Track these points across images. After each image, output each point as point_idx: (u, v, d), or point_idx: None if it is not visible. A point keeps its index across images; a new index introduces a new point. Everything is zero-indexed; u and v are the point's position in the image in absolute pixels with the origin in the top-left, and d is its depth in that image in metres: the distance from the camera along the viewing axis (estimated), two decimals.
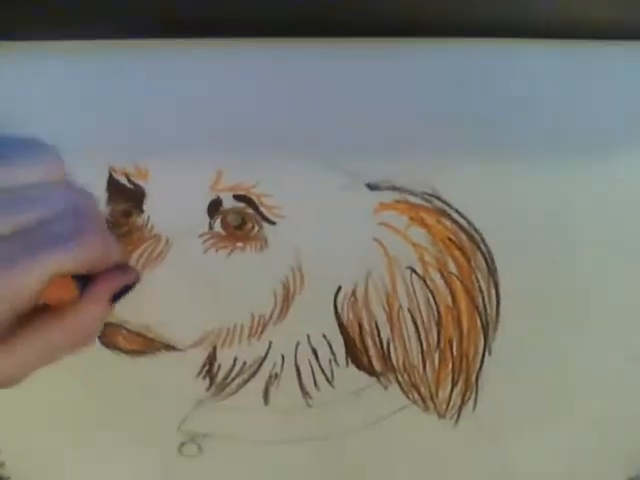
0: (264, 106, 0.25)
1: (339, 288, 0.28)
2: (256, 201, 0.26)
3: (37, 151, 0.23)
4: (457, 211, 0.27)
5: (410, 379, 0.30)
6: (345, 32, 0.23)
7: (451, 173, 0.26)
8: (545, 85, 0.25)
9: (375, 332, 0.29)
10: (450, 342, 0.30)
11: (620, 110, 0.25)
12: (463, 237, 0.27)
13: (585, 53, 0.24)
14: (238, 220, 0.26)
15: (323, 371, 0.30)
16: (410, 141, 0.26)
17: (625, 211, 0.28)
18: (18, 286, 0.20)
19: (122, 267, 0.26)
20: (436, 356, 0.30)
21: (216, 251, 0.27)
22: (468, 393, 0.31)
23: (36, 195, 0.22)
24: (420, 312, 0.29)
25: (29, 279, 0.20)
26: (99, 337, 0.29)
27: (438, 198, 0.27)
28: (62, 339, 0.23)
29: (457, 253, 0.28)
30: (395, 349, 0.30)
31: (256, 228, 0.27)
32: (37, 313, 0.22)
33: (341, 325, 0.29)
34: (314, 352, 0.30)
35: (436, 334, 0.29)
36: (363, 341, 0.29)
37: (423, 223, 0.27)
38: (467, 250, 0.28)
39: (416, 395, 0.31)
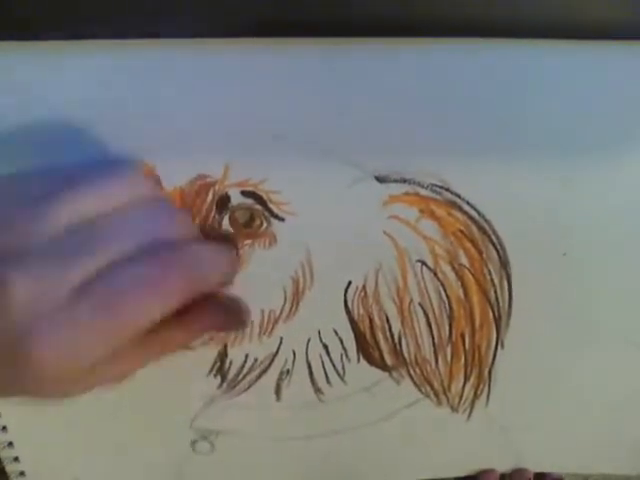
0: (271, 102, 0.25)
1: (349, 283, 0.28)
2: (265, 197, 0.26)
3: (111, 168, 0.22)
4: (468, 202, 0.26)
5: (422, 373, 0.30)
6: (351, 32, 0.23)
7: (460, 165, 0.26)
8: (545, 85, 0.25)
9: (386, 326, 0.29)
10: (462, 336, 0.29)
11: (620, 110, 0.25)
12: (474, 229, 0.27)
13: (585, 53, 0.24)
14: (246, 217, 0.26)
15: (335, 367, 0.30)
16: (418, 133, 0.25)
17: (630, 208, 0.27)
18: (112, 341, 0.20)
19: (232, 304, 0.25)
20: (448, 350, 0.30)
21: None
22: (481, 387, 0.31)
23: (116, 224, 0.20)
24: (432, 306, 0.29)
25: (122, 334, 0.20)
26: None
27: (448, 190, 0.26)
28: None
29: (468, 245, 0.27)
30: (407, 343, 0.29)
31: (265, 225, 0.27)
32: None
33: (352, 320, 0.29)
34: (325, 348, 0.29)
35: (448, 327, 0.29)
36: (374, 336, 0.29)
37: (433, 215, 0.27)
38: (478, 242, 0.27)
39: (429, 389, 0.31)
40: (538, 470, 0.34)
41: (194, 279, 0.21)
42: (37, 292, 0.18)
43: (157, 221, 0.22)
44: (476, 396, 0.31)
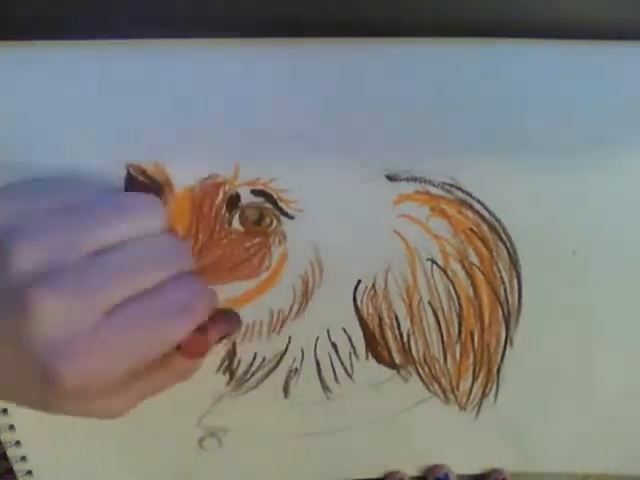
0: (281, 101, 0.25)
1: (359, 281, 0.28)
2: (274, 196, 0.26)
3: (132, 199, 0.22)
4: (478, 201, 0.26)
5: (431, 371, 0.30)
6: (360, 31, 0.23)
7: (470, 164, 0.26)
8: (545, 84, 0.25)
9: (395, 325, 0.29)
10: (471, 334, 0.29)
11: (621, 109, 0.25)
12: (485, 228, 0.27)
13: (585, 53, 0.24)
14: (256, 215, 0.26)
15: (343, 365, 0.30)
16: (425, 132, 0.25)
17: (635, 207, 0.27)
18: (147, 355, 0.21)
19: (226, 313, 0.27)
20: (457, 348, 0.30)
21: None
22: (489, 385, 0.31)
23: (144, 252, 0.21)
24: (441, 304, 0.29)
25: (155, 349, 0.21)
26: None
27: (459, 188, 0.26)
28: (168, 379, 0.25)
29: (479, 244, 0.27)
30: (415, 341, 0.29)
31: (275, 223, 0.26)
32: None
33: (361, 319, 0.29)
34: (334, 346, 0.29)
35: (457, 326, 0.29)
36: (383, 334, 0.29)
37: (444, 214, 0.27)
38: (489, 241, 0.27)
39: (437, 387, 0.31)
40: (540, 469, 0.34)
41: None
42: (67, 312, 0.19)
43: (175, 250, 0.23)
44: (484, 394, 0.31)
